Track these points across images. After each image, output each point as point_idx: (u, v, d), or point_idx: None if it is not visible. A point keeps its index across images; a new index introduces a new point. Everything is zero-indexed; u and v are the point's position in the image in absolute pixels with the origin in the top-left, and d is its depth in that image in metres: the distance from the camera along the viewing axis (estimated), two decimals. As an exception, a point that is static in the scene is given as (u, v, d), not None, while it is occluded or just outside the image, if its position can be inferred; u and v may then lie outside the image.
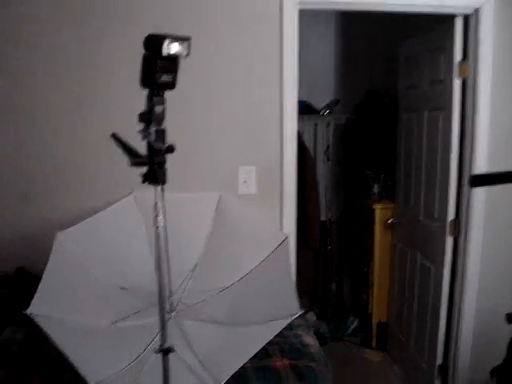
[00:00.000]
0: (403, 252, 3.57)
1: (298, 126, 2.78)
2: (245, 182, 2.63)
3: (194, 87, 2.49)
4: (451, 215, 2.89)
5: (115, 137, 1.19)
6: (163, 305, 1.26)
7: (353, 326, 4.28)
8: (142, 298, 1.95)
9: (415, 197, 3.33)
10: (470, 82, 2.72)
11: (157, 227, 1.26)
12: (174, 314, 1.83)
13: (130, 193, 2.18)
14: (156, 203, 1.25)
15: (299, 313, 1.74)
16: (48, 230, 2.01)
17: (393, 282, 3.80)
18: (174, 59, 1.20)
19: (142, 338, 1.81)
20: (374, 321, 4.02)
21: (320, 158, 4.30)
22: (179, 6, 2.54)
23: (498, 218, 2.84)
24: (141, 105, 1.21)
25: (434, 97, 3.04)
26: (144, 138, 1.17)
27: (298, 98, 2.71)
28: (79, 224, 1.99)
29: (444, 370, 3.05)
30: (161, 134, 1.18)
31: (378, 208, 3.83)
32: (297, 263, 2.72)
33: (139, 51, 1.27)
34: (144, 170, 1.22)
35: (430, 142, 3.08)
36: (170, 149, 1.20)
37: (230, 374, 1.79)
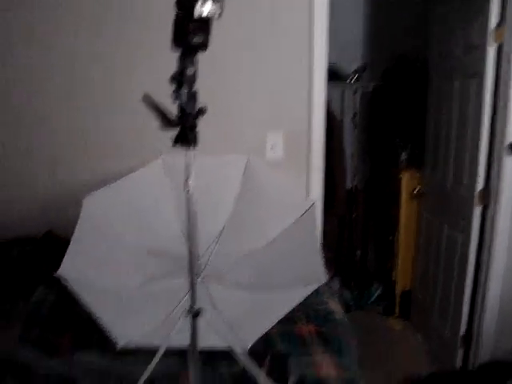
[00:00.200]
0: (429, 221, 3.54)
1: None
2: (272, 147, 2.61)
3: (223, 50, 2.46)
4: (480, 184, 2.84)
5: (147, 99, 1.18)
6: (193, 268, 1.27)
7: (376, 294, 4.28)
8: (168, 262, 1.96)
9: (443, 166, 3.27)
10: (505, 48, 2.63)
11: (187, 191, 1.25)
12: (200, 278, 1.85)
13: (159, 156, 2.18)
14: (187, 166, 1.24)
15: (325, 279, 1.73)
16: (76, 194, 2.02)
17: (418, 250, 3.78)
18: (206, 20, 1.18)
19: (169, 301, 1.83)
20: (398, 289, 4.01)
21: (347, 125, 4.25)
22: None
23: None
24: (172, 67, 1.19)
25: (466, 63, 2.95)
26: (175, 100, 1.15)
27: (326, 62, 2.67)
28: (107, 187, 1.99)
29: (467, 339, 3.05)
30: (192, 96, 1.16)
31: (404, 176, 3.78)
32: (321, 230, 2.72)
33: (171, 10, 1.25)
34: (175, 132, 1.21)
35: (461, 110, 3.01)
36: (202, 111, 1.18)
37: (256, 339, 1.81)
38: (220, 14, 1.18)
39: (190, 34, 1.14)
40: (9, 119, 2.68)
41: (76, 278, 1.70)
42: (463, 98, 2.98)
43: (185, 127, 1.18)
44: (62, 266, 1.68)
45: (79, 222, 1.81)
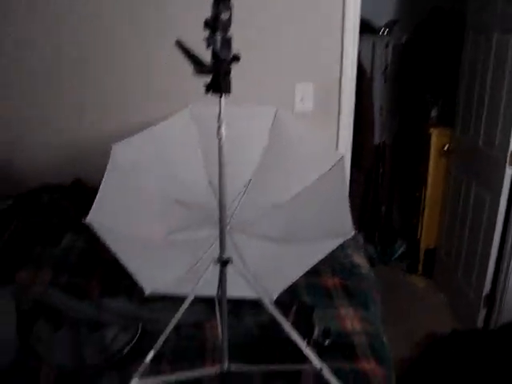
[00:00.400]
0: (458, 179, 3.49)
1: (356, 45, 2.67)
2: (301, 99, 2.57)
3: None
4: (514, 145, 2.76)
5: (179, 44, 1.15)
6: (223, 216, 1.26)
7: (400, 251, 4.27)
8: (196, 212, 1.97)
9: (475, 124, 3.19)
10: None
11: (219, 139, 1.23)
12: (228, 228, 1.85)
13: (187, 106, 2.15)
14: (219, 114, 1.22)
15: (353, 233, 1.72)
16: (104, 143, 2.02)
17: (444, 208, 3.74)
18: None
19: (196, 251, 1.84)
20: (422, 247, 4.00)
21: (377, 78, 4.14)
22: None
23: None
24: (205, 12, 1.16)
25: (507, 17, 2.83)
26: (209, 45, 1.12)
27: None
28: (135, 136, 1.98)
29: (491, 299, 3.04)
30: (226, 42, 1.12)
31: (434, 133, 3.71)
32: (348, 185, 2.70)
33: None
34: (207, 79, 1.18)
35: (498, 67, 2.90)
36: (236, 58, 1.15)
37: (282, 290, 1.83)
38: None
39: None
40: (38, 67, 2.68)
41: (104, 226, 1.71)
42: (501, 54, 2.87)
43: (218, 74, 1.14)
44: (90, 213, 1.69)
45: (107, 169, 1.81)
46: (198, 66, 1.13)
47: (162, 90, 2.66)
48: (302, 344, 1.37)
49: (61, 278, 2.07)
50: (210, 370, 1.52)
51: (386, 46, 4.10)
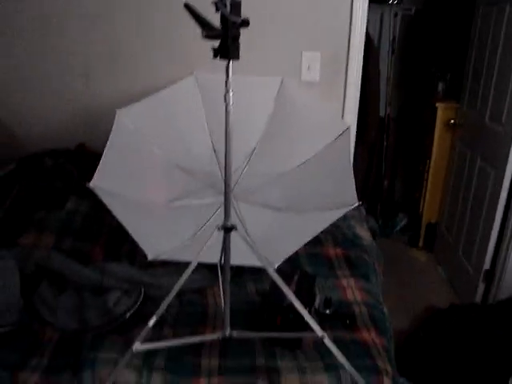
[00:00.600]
0: (462, 153, 3.47)
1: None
2: (308, 68, 2.53)
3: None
4: (520, 121, 2.74)
5: (188, 7, 1.12)
6: (228, 182, 1.26)
7: (401, 224, 4.28)
8: (199, 179, 1.96)
9: (482, 99, 3.15)
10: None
11: (227, 104, 1.22)
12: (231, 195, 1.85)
13: (192, 73, 2.13)
14: (227, 79, 1.20)
15: (356, 204, 1.71)
16: (108, 109, 2.01)
17: (448, 182, 3.73)
18: None
19: (199, 218, 1.84)
20: (424, 220, 4.01)
21: (384, 50, 4.09)
22: None
23: None
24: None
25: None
26: (218, 9, 1.09)
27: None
28: (139, 102, 1.96)
29: (490, 275, 3.05)
30: (236, 6, 1.10)
31: (440, 107, 3.67)
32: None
33: None
34: (216, 43, 1.16)
35: (509, 40, 2.86)
36: (245, 22, 1.12)
37: (284, 259, 1.83)
38: None
39: None
40: (43, 30, 2.64)
41: (108, 190, 1.70)
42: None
43: (227, 38, 1.12)
44: (94, 177, 1.68)
45: (112, 133, 1.80)
46: (207, 29, 1.11)
47: (167, 55, 2.62)
48: (305, 312, 1.37)
49: (64, 242, 2.08)
50: (211, 336, 1.53)
51: (395, 16, 4.03)
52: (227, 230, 1.33)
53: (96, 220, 2.22)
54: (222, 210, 1.40)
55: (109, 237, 2.15)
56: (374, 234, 3.96)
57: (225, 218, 1.31)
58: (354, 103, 2.65)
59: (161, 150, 1.94)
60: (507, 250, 2.92)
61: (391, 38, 4.03)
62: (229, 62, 1.18)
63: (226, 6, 1.10)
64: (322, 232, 1.95)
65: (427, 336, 2.66)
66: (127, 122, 1.89)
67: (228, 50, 1.15)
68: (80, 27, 2.63)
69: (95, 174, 1.70)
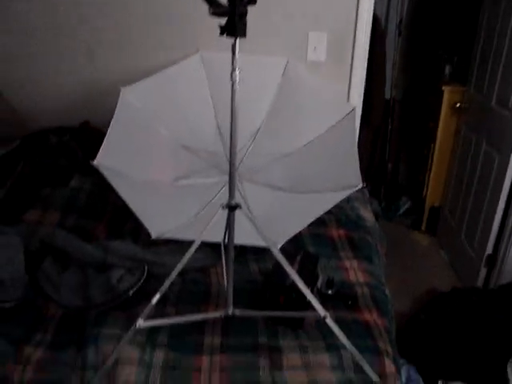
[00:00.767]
0: (467, 137, 3.45)
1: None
2: (314, 48, 2.52)
3: None
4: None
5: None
6: (234, 160, 1.25)
7: (404, 208, 4.28)
8: (203, 158, 1.96)
9: (489, 83, 3.13)
10: None
11: (233, 82, 1.21)
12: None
13: (197, 51, 2.12)
14: (233, 57, 1.19)
15: (360, 185, 1.71)
16: (113, 86, 2.00)
17: (452, 166, 3.72)
18: None
19: (203, 196, 1.84)
20: (427, 204, 4.00)
21: (391, 31, 4.05)
22: None
23: None
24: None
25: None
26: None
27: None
28: (144, 80, 1.96)
29: (492, 260, 3.05)
30: (244, -17, 1.09)
31: (447, 90, 3.64)
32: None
33: None
34: (223, 21, 1.15)
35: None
36: (253, 0, 1.11)
37: (287, 239, 1.84)
38: None
39: None
40: (47, 6, 2.62)
41: (112, 168, 1.70)
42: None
43: (234, 15, 1.11)
44: (98, 155, 1.68)
45: (116, 112, 1.80)
46: (214, 6, 1.10)
47: (173, 34, 2.60)
48: (307, 292, 1.38)
49: (68, 219, 2.09)
50: (214, 314, 1.54)
51: (403, -4, 3.99)
52: (232, 208, 1.33)
53: (100, 198, 2.22)
54: (226, 189, 1.40)
55: (112, 215, 2.16)
56: (376, 217, 3.97)
57: (229, 196, 1.31)
58: (359, 85, 2.63)
59: (165, 128, 1.94)
60: (510, 235, 2.92)
61: (398, 19, 3.99)
62: (235, 40, 1.17)
63: (233, -18, 1.09)
64: (325, 213, 1.95)
65: (428, 319, 2.67)
66: (132, 100, 1.88)
67: (235, 27, 1.14)
68: (87, 3, 2.60)
69: (99, 152, 1.70)
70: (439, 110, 3.68)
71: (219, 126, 1.97)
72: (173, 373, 1.42)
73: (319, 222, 2.12)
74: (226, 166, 1.32)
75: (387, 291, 1.89)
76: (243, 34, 1.16)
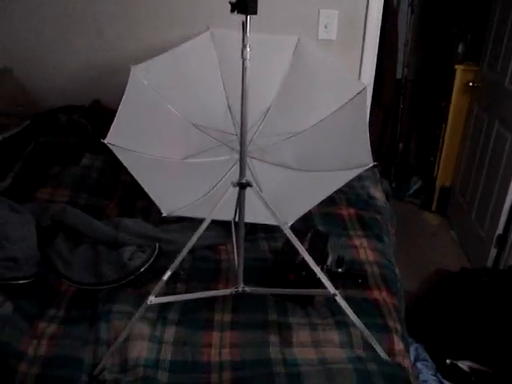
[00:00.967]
0: (480, 117, 3.41)
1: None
2: (326, 26, 2.49)
3: None
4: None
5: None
6: (244, 138, 1.25)
7: (415, 188, 4.27)
8: (213, 137, 1.95)
9: (503, 62, 3.08)
10: None
11: (244, 60, 1.20)
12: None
13: (207, 29, 2.10)
14: (244, 34, 1.18)
15: (371, 164, 1.71)
16: (123, 65, 1.99)
17: (464, 146, 3.69)
18: None
19: (214, 174, 1.84)
20: (438, 184, 3.98)
21: (403, 9, 3.99)
22: None
23: None
24: None
25: None
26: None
27: None
28: (154, 58, 1.95)
29: (502, 240, 3.04)
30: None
31: (459, 69, 3.59)
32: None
33: None
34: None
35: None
36: (264, -25, 1.10)
37: (297, 217, 1.84)
38: None
39: None
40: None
41: (122, 146, 1.71)
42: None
43: (245, -9, 1.10)
44: (109, 134, 1.68)
45: (126, 90, 1.79)
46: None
47: (183, 10, 2.58)
48: (318, 269, 1.39)
49: (79, 198, 2.10)
50: (224, 291, 1.55)
51: (416, -26, 3.93)
52: (242, 186, 1.33)
53: (111, 176, 2.23)
54: (236, 167, 1.40)
55: (123, 193, 2.17)
56: (387, 197, 3.97)
57: (240, 174, 1.31)
58: (371, 64, 2.61)
59: (176, 106, 1.93)
60: (521, 215, 2.91)
61: (411, -3, 3.94)
62: (247, 17, 1.16)
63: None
64: (335, 192, 1.95)
65: (437, 298, 2.67)
66: (142, 79, 1.87)
67: (246, 4, 1.13)
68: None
69: (110, 131, 1.70)
70: (451, 90, 3.64)
71: (230, 104, 1.96)
72: (183, 348, 1.43)
73: (329, 201, 2.12)
74: (237, 145, 1.33)
75: (397, 270, 1.89)
76: (254, 11, 1.15)
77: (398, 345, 1.49)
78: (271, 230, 1.95)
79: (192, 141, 1.98)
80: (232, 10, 1.17)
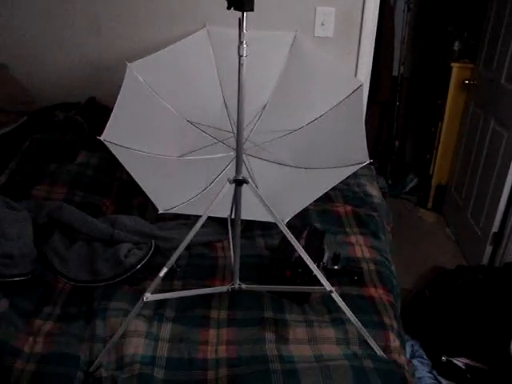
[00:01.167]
0: (476, 115, 3.42)
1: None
2: (322, 23, 2.49)
3: None
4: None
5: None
6: (241, 135, 1.25)
7: (411, 185, 4.28)
8: (209, 134, 1.96)
9: (499, 59, 3.09)
10: None
11: (240, 56, 1.20)
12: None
13: (204, 26, 2.10)
14: (240, 31, 1.18)
15: (367, 161, 1.71)
16: (119, 62, 1.99)
17: (459, 144, 3.70)
18: None
19: (210, 172, 1.85)
20: (434, 182, 3.99)
21: (400, 6, 3.99)
22: None
23: None
24: None
25: None
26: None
27: None
28: (151, 55, 1.95)
29: (498, 238, 3.05)
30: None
31: (455, 66, 3.60)
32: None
33: None
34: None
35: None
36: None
37: (293, 214, 1.84)
38: None
39: None
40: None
41: (119, 144, 1.71)
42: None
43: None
44: (105, 130, 1.68)
45: (122, 87, 1.80)
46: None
47: (180, 8, 2.58)
48: (314, 266, 1.39)
49: (75, 195, 2.09)
50: (221, 288, 1.55)
51: (412, -28, 3.93)
52: (239, 183, 1.33)
53: (107, 173, 2.23)
54: (233, 164, 1.40)
55: (119, 190, 2.17)
56: (383, 194, 3.97)
57: (236, 171, 1.31)
58: (367, 61, 2.61)
59: (172, 103, 1.94)
60: (517, 213, 2.91)
61: (407, -6, 3.94)
62: (243, 13, 1.16)
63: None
64: (332, 189, 1.95)
65: (433, 296, 2.68)
66: (138, 76, 1.88)
67: (242, 0, 1.13)
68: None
69: (106, 128, 1.70)
70: (447, 87, 3.65)
71: (226, 101, 1.96)
72: (180, 345, 1.43)
73: (326, 198, 2.13)
74: (233, 142, 1.32)
75: (393, 267, 1.90)
76: (251, 7, 1.14)
77: (394, 342, 1.49)
78: (267, 227, 1.95)
79: (188, 138, 1.98)
80: (228, 7, 1.16)
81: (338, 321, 1.52)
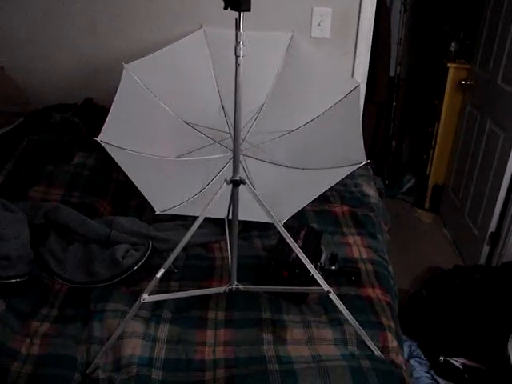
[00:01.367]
0: (472, 115, 3.43)
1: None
2: (319, 24, 2.49)
3: None
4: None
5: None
6: (238, 136, 1.25)
7: (408, 185, 4.29)
8: (206, 135, 1.96)
9: (495, 60, 3.09)
10: None
11: (237, 56, 1.20)
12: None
13: (200, 27, 2.10)
14: (237, 31, 1.18)
15: (364, 162, 1.71)
16: (116, 63, 1.99)
17: (456, 144, 3.70)
18: None
19: (207, 173, 1.85)
20: (431, 182, 4.00)
21: (396, 7, 4.00)
22: None
23: None
24: None
25: None
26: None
27: None
28: (147, 56, 1.95)
29: (495, 238, 3.05)
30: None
31: (452, 67, 3.61)
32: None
33: None
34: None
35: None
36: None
37: (290, 215, 1.84)
38: None
39: None
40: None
41: (116, 144, 1.71)
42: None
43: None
44: (102, 131, 1.68)
45: (119, 89, 1.80)
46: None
47: (177, 9, 2.57)
48: (311, 267, 1.39)
49: (72, 196, 2.09)
50: (218, 289, 1.55)
51: (408, -28, 3.94)
52: (236, 183, 1.33)
53: (103, 174, 2.22)
54: (230, 165, 1.40)
55: (116, 191, 2.16)
56: (380, 194, 3.96)
57: (234, 171, 1.31)
58: (364, 61, 2.61)
59: (168, 104, 1.94)
60: (514, 213, 2.92)
61: (404, -5, 3.95)
62: (240, 14, 1.16)
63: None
64: (329, 189, 1.95)
65: (430, 296, 2.68)
66: (135, 77, 1.88)
67: (239, 1, 1.13)
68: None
69: (103, 129, 1.70)
70: (444, 88, 3.66)
71: (222, 102, 1.97)
72: (177, 346, 1.43)
73: (323, 199, 2.13)
74: (230, 143, 1.32)
75: (390, 267, 1.90)
76: (247, 7, 1.14)
77: (392, 342, 1.49)
78: (265, 228, 1.95)
79: (185, 139, 1.98)
80: (225, 7, 1.16)
81: (336, 321, 1.52)
